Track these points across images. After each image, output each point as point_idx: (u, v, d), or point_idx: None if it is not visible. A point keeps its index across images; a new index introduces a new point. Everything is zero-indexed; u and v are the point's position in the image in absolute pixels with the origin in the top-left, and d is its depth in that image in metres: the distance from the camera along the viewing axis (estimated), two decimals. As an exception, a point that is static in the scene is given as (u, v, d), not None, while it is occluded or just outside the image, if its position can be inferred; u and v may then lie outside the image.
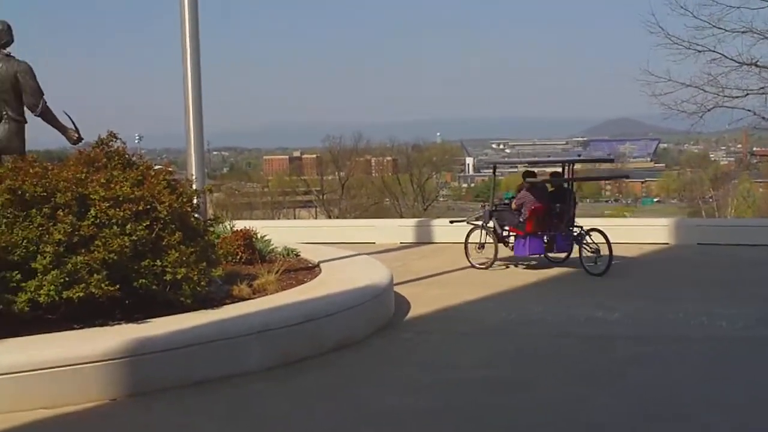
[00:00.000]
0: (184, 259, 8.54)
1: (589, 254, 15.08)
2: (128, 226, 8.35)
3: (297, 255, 13.30)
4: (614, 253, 14.80)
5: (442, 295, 12.67)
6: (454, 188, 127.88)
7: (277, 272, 10.60)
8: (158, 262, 8.50)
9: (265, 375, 8.22)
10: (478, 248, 16.21)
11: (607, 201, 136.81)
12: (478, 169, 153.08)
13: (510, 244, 16.11)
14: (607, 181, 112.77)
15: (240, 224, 13.89)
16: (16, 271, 8.10)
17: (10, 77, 10.92)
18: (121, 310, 8.69)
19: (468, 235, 16.59)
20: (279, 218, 63.86)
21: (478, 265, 15.95)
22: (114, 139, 9.80)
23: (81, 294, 7.99)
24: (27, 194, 8.35)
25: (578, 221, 15.93)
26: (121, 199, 8.47)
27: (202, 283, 8.79)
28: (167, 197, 8.71)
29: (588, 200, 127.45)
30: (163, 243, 8.56)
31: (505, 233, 16.14)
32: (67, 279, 8.01)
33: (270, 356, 8.47)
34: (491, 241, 16.02)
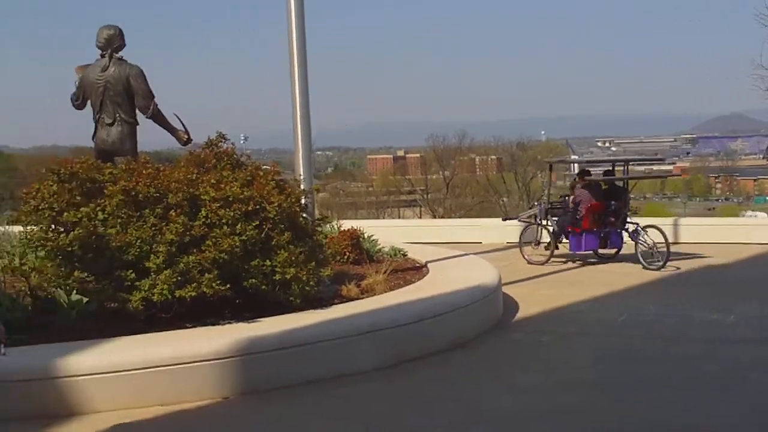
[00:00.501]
0: (293, 259, 8.58)
1: (645, 249, 15.63)
2: (238, 226, 8.43)
3: (404, 255, 13.27)
4: (722, 255, 14.53)
5: (551, 296, 12.49)
6: (560, 187, 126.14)
7: (385, 272, 10.58)
8: (268, 262, 8.56)
9: (375, 375, 8.20)
10: (534, 245, 16.76)
11: (717, 200, 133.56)
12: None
13: (565, 241, 16.61)
14: (716, 179, 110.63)
15: (346, 224, 13.94)
16: (131, 270, 8.27)
17: (122, 80, 11.17)
18: (231, 309, 8.79)
19: (522, 233, 17.16)
20: (383, 218, 64.04)
21: (534, 261, 16.38)
22: (223, 141, 9.90)
23: (193, 293, 8.11)
24: (140, 195, 8.50)
25: (686, 220, 16.13)
26: (230, 199, 8.55)
27: (311, 282, 8.82)
28: (276, 197, 8.76)
29: (698, 199, 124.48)
30: (273, 243, 8.62)
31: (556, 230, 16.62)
32: (179, 278, 8.14)
33: (380, 356, 8.45)
34: (546, 238, 16.59)
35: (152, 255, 8.23)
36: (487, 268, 12.09)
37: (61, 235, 8.50)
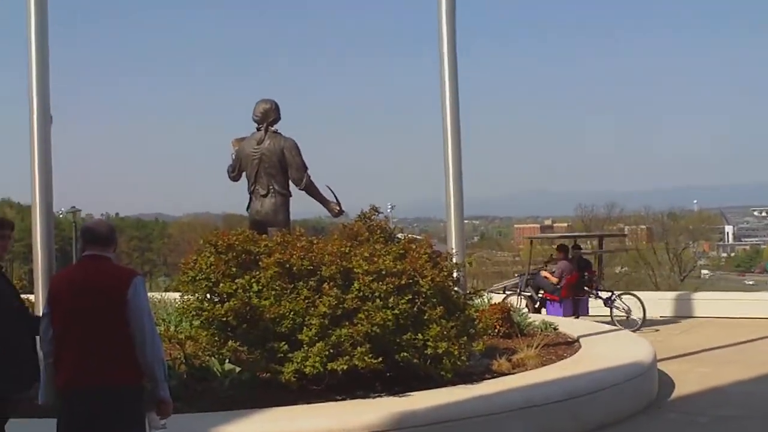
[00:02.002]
0: (445, 333, 8.49)
1: (620, 314, 17.73)
2: (391, 300, 8.41)
3: (555, 329, 13.00)
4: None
5: (708, 374, 11.95)
6: (713, 258, 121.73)
7: (536, 347, 10.37)
8: (420, 336, 8.50)
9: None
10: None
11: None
12: (738, 238, 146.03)
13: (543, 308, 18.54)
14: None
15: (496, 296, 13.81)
16: (284, 342, 8.35)
17: (277, 153, 11.42)
18: (381, 382, 8.74)
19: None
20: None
21: None
22: (375, 213, 9.97)
23: (345, 366, 8.11)
24: (294, 267, 8.61)
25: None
26: (383, 272, 8.55)
27: (463, 357, 8.71)
28: (429, 271, 8.72)
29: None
30: (425, 317, 8.56)
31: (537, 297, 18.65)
32: (331, 351, 8.16)
33: (531, 433, 8.23)
34: (524, 306, 18.09)
35: (305, 327, 8.28)
36: (641, 344, 11.71)
37: (217, 305, 8.68)
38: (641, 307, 17.49)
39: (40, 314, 6.04)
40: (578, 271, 18.67)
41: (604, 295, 18.44)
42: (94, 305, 5.33)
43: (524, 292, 19.01)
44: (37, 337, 6.03)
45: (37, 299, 8.95)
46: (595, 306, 18.57)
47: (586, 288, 18.66)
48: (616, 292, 18.61)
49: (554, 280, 18.44)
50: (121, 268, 5.76)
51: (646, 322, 17.43)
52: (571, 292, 18.35)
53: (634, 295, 18.19)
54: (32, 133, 9.64)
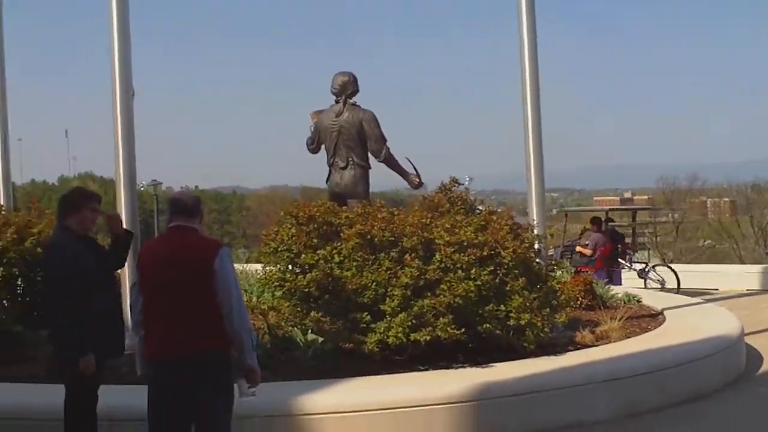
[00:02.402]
0: (528, 304, 8.44)
1: (655, 286, 17.90)
2: (473, 271, 8.38)
3: (638, 301, 12.81)
4: None
5: (798, 348, 11.68)
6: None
7: (620, 319, 10.24)
8: (502, 307, 8.47)
9: (612, 425, 7.92)
10: None
11: None
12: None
13: None
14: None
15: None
16: (366, 312, 8.38)
17: (356, 125, 11.41)
18: (463, 353, 8.73)
19: None
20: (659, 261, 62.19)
21: None
22: (456, 185, 9.91)
23: (428, 337, 8.12)
24: (375, 239, 8.61)
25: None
26: (465, 244, 8.52)
27: (546, 329, 8.66)
28: (511, 243, 8.67)
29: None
30: (507, 288, 8.52)
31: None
32: (414, 322, 8.18)
33: (616, 406, 8.14)
34: None
35: (387, 298, 8.30)
36: (727, 317, 11.49)
37: (299, 276, 8.74)
38: (676, 279, 18.03)
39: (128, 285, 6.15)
40: (612, 243, 19.28)
41: (638, 266, 19.18)
42: (181, 276, 5.41)
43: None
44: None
45: (122, 269, 9.09)
46: (630, 278, 19.13)
47: (620, 260, 19.22)
48: (650, 264, 19.56)
49: (587, 252, 19.13)
50: (206, 238, 5.83)
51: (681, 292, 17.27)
52: (605, 263, 18.85)
53: (669, 267, 19.17)
54: (115, 107, 9.75)
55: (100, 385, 6.63)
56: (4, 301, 10.95)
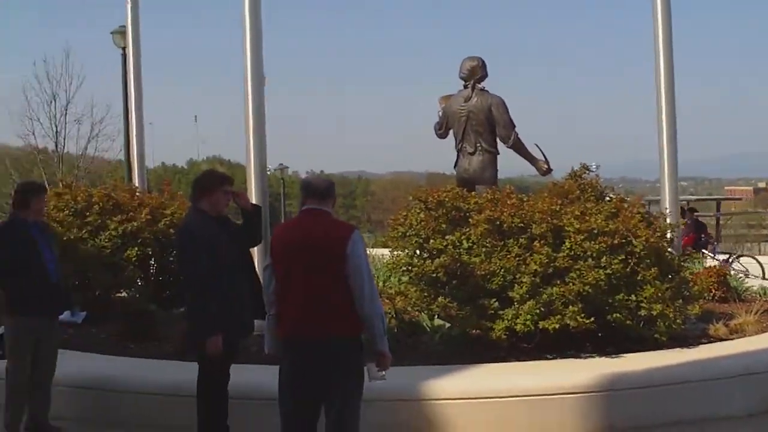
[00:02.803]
0: (660, 295, 8.27)
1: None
2: (603, 260, 8.26)
3: (775, 294, 12.41)
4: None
5: None
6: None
7: (755, 312, 9.92)
8: (633, 297, 8.31)
9: (746, 421, 7.69)
10: None
11: None
12: None
13: None
14: None
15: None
16: (494, 299, 8.35)
17: (484, 110, 11.35)
18: (591, 342, 8.62)
19: None
20: (742, 252, 60.35)
21: None
22: (586, 172, 9.76)
23: (556, 325, 8.05)
24: (504, 225, 8.57)
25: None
26: (595, 231, 8.39)
27: (678, 320, 8.46)
28: (643, 231, 8.50)
29: None
30: (638, 278, 8.36)
31: None
32: (542, 309, 8.12)
33: (752, 401, 7.89)
34: None
35: (516, 285, 8.26)
36: None
37: (427, 262, 8.76)
38: (761, 269, 17.42)
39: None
40: (694, 233, 19.28)
41: (722, 256, 18.53)
42: (313, 259, 5.47)
43: None
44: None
45: (252, 253, 9.26)
46: None
47: (703, 250, 18.60)
48: (735, 254, 19.10)
49: None
50: (339, 222, 5.89)
51: None
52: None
53: (754, 258, 18.45)
54: (246, 94, 9.93)
55: (231, 364, 6.81)
56: (139, 281, 11.36)
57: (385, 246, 11.29)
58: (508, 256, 8.39)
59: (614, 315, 8.34)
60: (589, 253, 8.30)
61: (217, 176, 7.05)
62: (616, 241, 8.36)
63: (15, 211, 7.69)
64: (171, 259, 11.48)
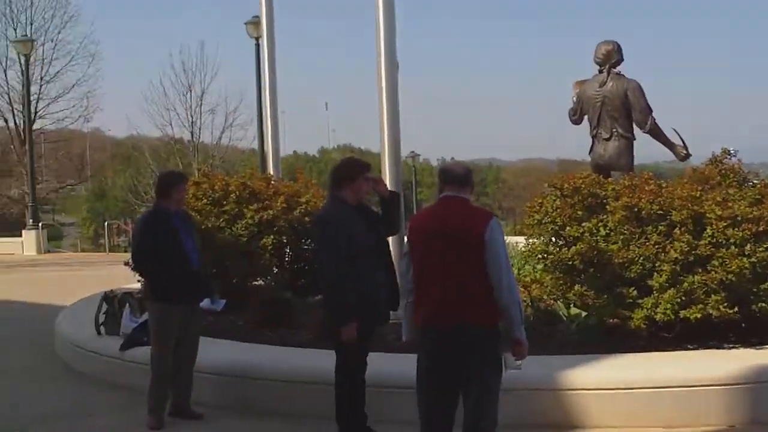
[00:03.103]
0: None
1: None
2: (747, 247, 7.98)
3: None
4: None
5: None
6: None
7: None
8: (779, 286, 8.02)
9: None
10: None
11: None
12: None
13: None
14: None
15: None
16: (632, 287, 8.19)
17: (620, 95, 11.12)
18: (735, 333, 8.37)
19: None
20: None
21: None
22: (728, 156, 9.46)
23: (698, 315, 7.84)
24: (643, 212, 8.38)
25: None
26: (738, 218, 8.12)
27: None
28: (790, 217, 8.18)
29: None
30: (786, 266, 8.05)
31: None
32: (683, 298, 7.92)
33: None
34: None
35: (655, 273, 8.08)
36: None
37: (563, 249, 8.65)
38: None
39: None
40: None
41: None
42: (451, 246, 5.44)
43: None
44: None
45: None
46: None
47: None
48: None
49: None
50: (477, 209, 5.86)
51: None
52: None
53: None
54: (380, 81, 9.97)
55: (368, 352, 6.86)
56: (274, 269, 11.54)
57: (517, 233, 11.21)
58: (647, 244, 8.21)
59: (759, 305, 8.06)
60: (732, 240, 8.03)
61: (358, 164, 7.05)
62: (761, 228, 8.06)
63: (157, 200, 7.93)
64: (306, 247, 11.65)
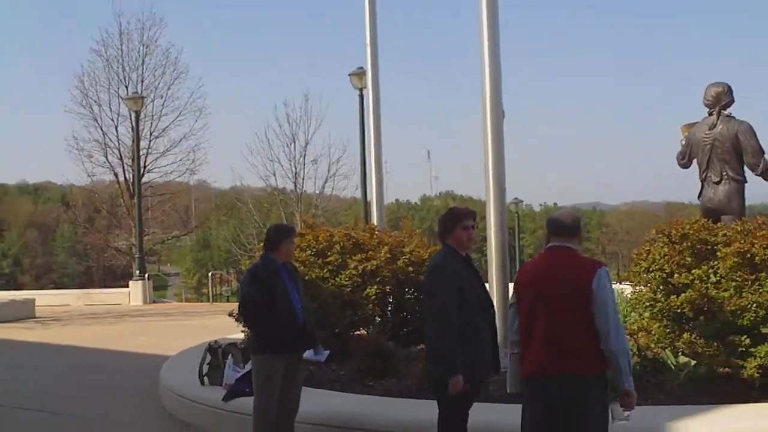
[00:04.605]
0: None
1: None
2: None
3: None
4: None
5: None
6: None
7: None
8: None
9: None
10: None
11: None
12: None
13: None
14: None
15: None
16: (746, 336, 7.95)
17: (731, 137, 10.89)
18: None
19: None
20: None
21: None
22: None
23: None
24: (757, 257, 8.13)
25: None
26: None
27: None
28: None
29: None
30: None
31: None
32: (801, 346, 7.61)
33: None
34: None
35: (769, 321, 7.80)
36: None
37: (671, 297, 8.45)
38: None
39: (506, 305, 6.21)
40: None
41: None
42: (559, 295, 5.37)
43: None
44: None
45: (491, 289, 9.23)
46: None
47: None
48: None
49: None
50: (584, 258, 5.75)
51: None
52: None
53: None
54: (485, 129, 9.94)
55: (472, 404, 6.74)
56: (377, 318, 11.52)
57: (620, 280, 11.00)
58: (761, 290, 7.96)
59: None
60: None
61: (457, 213, 6.96)
62: None
63: (266, 252, 8.01)
64: (409, 296, 11.63)
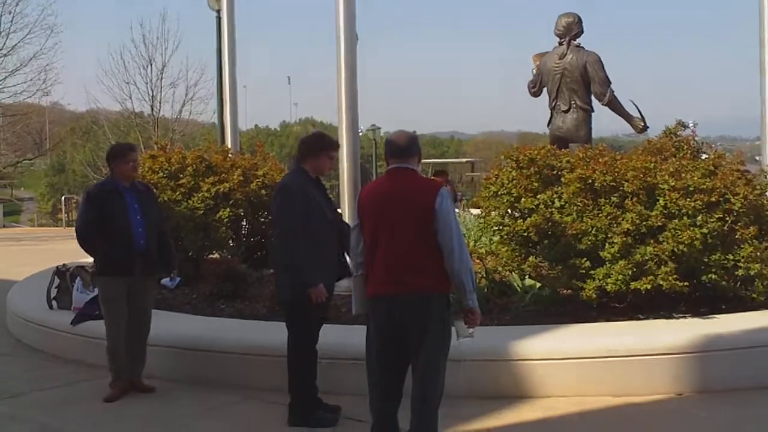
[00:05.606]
0: (758, 254, 8.02)
1: None
2: (699, 218, 8.02)
3: None
4: None
5: None
6: None
7: None
8: (729, 257, 8.08)
9: None
10: None
11: None
12: None
13: None
14: None
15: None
16: (585, 259, 8.22)
17: (579, 68, 11.19)
18: (685, 303, 8.44)
19: None
20: None
21: None
22: (682, 128, 9.51)
23: (648, 286, 7.87)
24: (596, 183, 8.39)
25: None
26: (691, 189, 8.15)
27: (776, 280, 8.20)
28: (742, 188, 8.22)
29: None
30: (736, 237, 8.11)
31: None
32: (634, 269, 7.95)
33: None
34: None
35: (607, 244, 8.11)
36: None
37: (518, 221, 8.67)
38: None
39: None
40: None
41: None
42: (400, 217, 5.45)
43: None
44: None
45: (343, 213, 9.29)
46: None
47: None
48: None
49: None
50: (425, 179, 5.86)
51: None
52: None
53: None
54: (339, 53, 9.86)
55: (322, 325, 6.85)
56: (230, 242, 11.49)
57: (476, 206, 11.22)
58: (600, 215, 8.23)
59: (709, 275, 8.13)
60: (684, 211, 8.06)
61: (325, 140, 6.98)
62: (713, 199, 8.10)
63: (109, 175, 7.89)
64: (262, 220, 11.60)
